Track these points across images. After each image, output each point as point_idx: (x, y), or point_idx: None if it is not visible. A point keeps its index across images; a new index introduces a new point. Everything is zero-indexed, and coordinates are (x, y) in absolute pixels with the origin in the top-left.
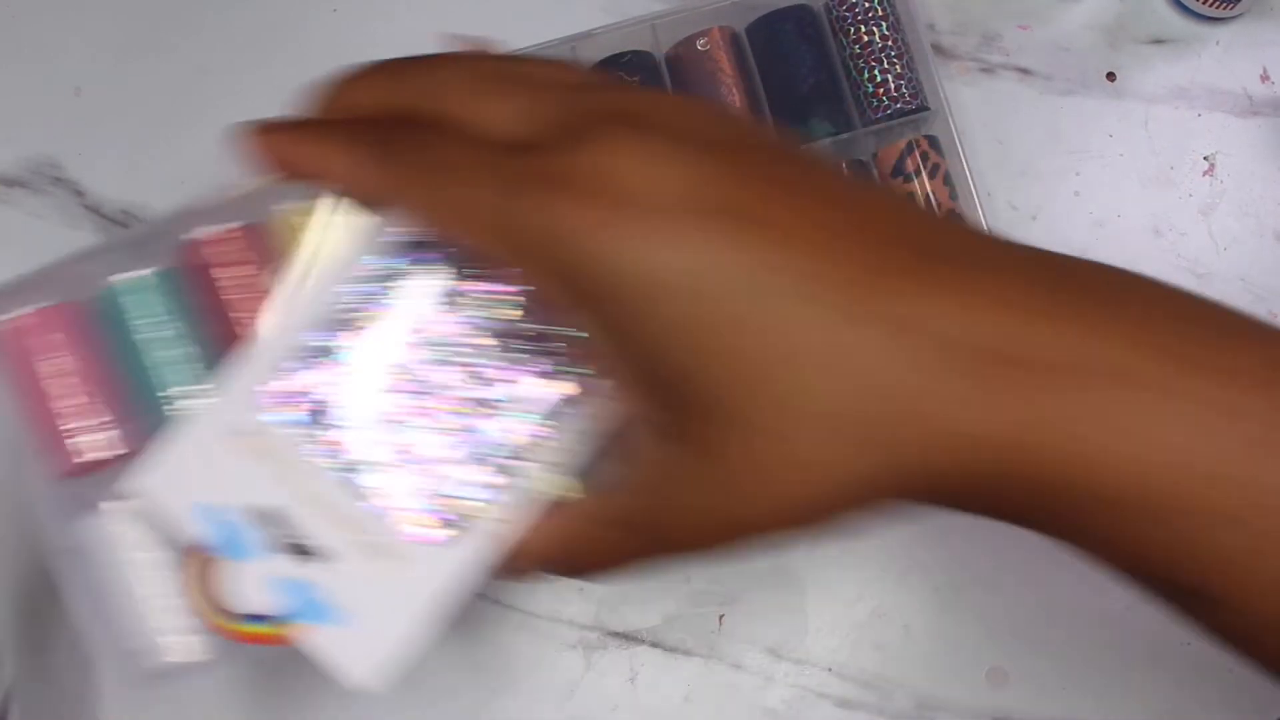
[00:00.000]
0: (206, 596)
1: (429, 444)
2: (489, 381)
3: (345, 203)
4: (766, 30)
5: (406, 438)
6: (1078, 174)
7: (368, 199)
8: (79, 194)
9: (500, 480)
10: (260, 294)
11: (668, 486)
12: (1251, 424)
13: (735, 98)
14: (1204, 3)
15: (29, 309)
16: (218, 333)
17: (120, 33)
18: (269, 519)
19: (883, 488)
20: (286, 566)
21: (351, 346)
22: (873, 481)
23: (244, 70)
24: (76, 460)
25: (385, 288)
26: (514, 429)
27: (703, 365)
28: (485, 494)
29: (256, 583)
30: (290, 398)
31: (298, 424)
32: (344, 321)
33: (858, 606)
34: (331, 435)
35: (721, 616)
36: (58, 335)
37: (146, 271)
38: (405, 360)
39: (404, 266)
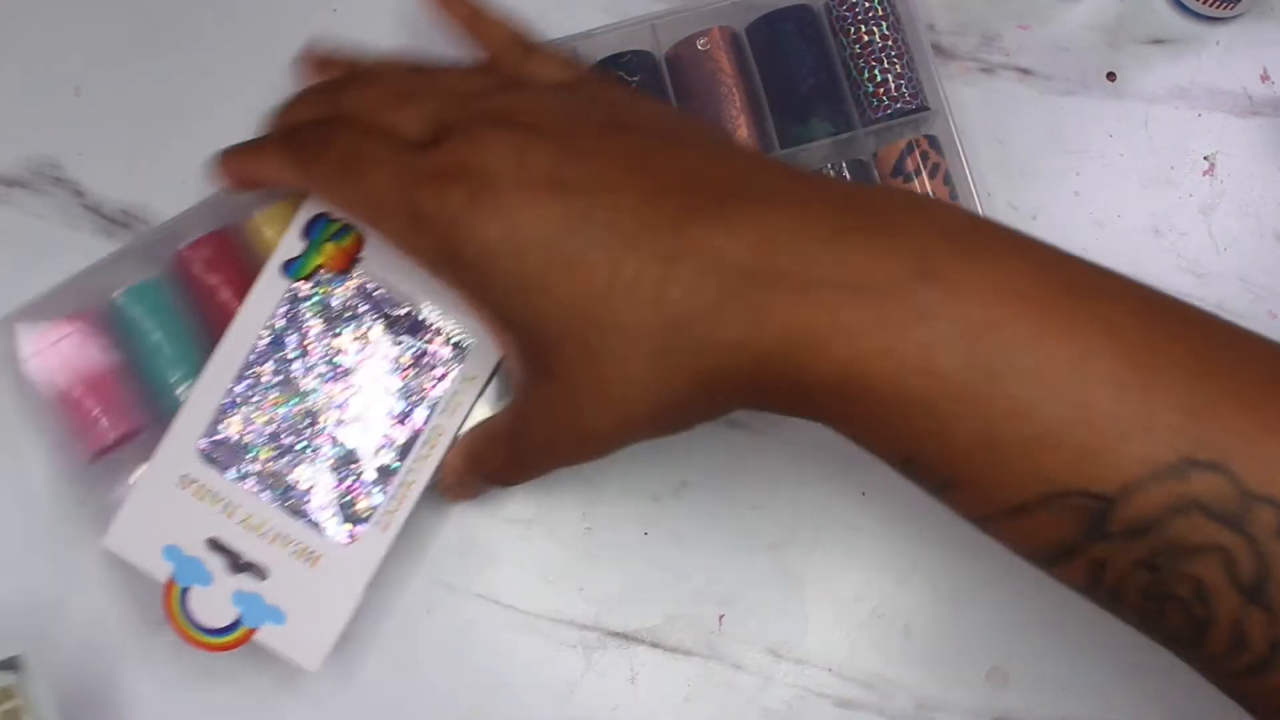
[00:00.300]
0: (185, 620)
1: (328, 461)
2: (365, 402)
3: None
4: (766, 30)
5: (313, 458)
6: (1078, 174)
7: (298, 192)
8: (79, 194)
9: (384, 481)
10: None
11: (536, 408)
12: (951, 326)
13: (735, 97)
14: (1204, 3)
15: (58, 319)
16: (215, 327)
17: (120, 33)
18: (221, 547)
19: (698, 394)
20: (239, 583)
21: (265, 388)
22: (687, 390)
23: (244, 70)
24: (103, 445)
25: (286, 334)
26: (387, 437)
27: (545, 307)
28: (375, 493)
29: (220, 601)
30: (220, 443)
31: (229, 464)
32: (256, 373)
33: (858, 606)
34: (256, 468)
35: (721, 616)
36: (81, 341)
37: (144, 279)
38: (305, 394)
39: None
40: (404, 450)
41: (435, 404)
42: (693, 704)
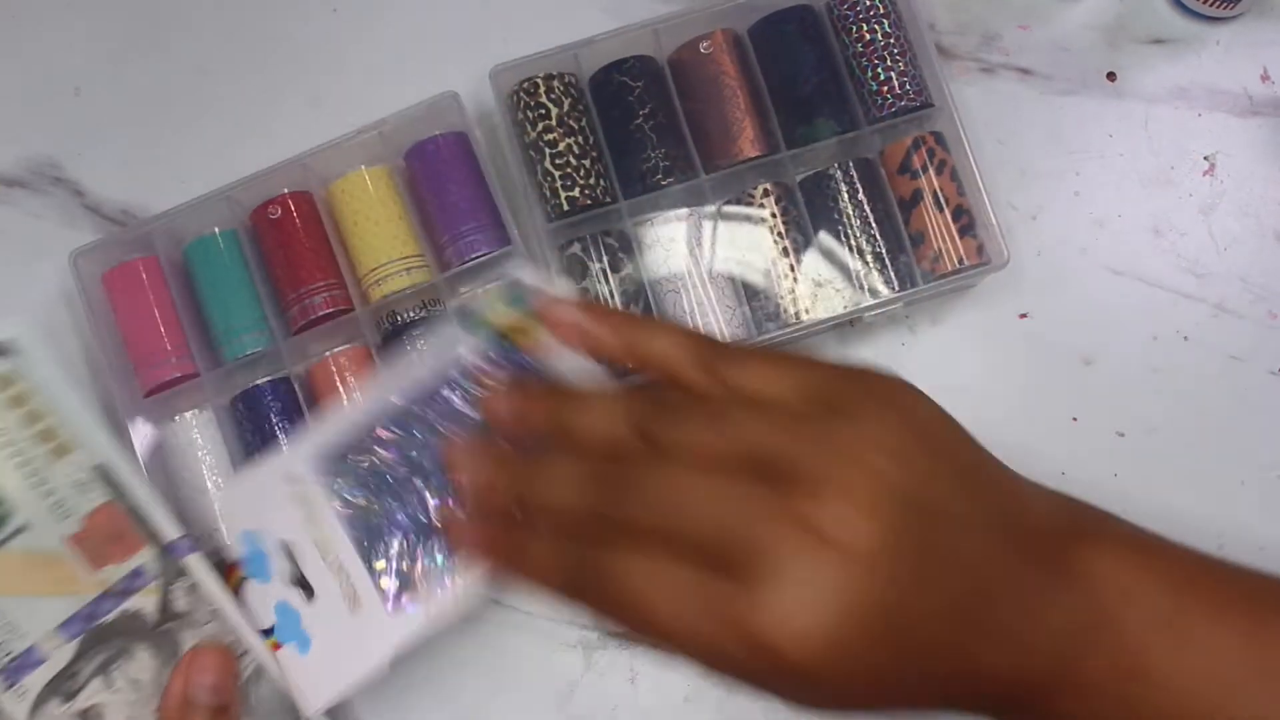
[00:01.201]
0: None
1: (412, 525)
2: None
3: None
4: (769, 31)
5: (401, 515)
6: (1078, 174)
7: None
8: (79, 194)
9: (447, 569)
10: (309, 261)
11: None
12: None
13: (739, 99)
14: (1204, 2)
15: (133, 258)
16: (282, 282)
17: (120, 33)
18: (288, 554)
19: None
20: (289, 594)
21: (399, 428)
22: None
23: (244, 70)
24: (161, 382)
25: (438, 394)
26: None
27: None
28: (434, 577)
29: (266, 604)
30: (337, 460)
31: (331, 485)
32: (402, 412)
33: None
34: (350, 497)
35: None
36: (151, 281)
37: (217, 230)
38: (423, 454)
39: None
40: None
41: None
42: (693, 704)
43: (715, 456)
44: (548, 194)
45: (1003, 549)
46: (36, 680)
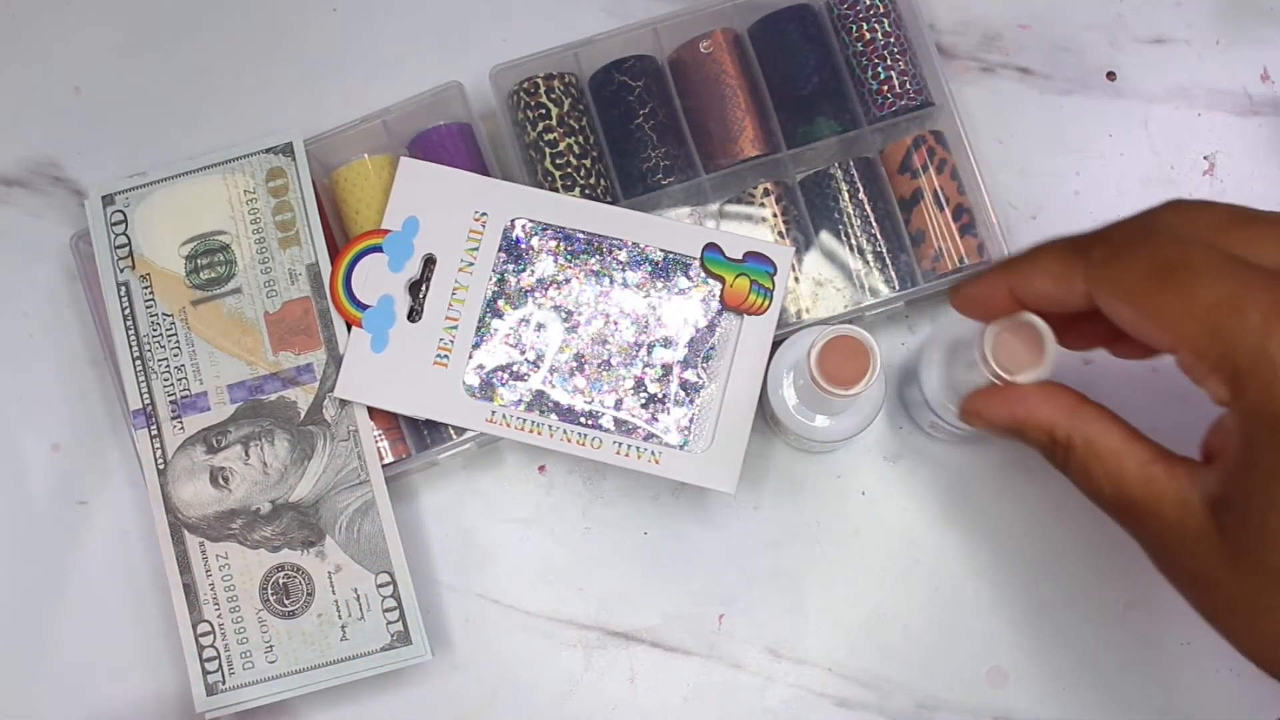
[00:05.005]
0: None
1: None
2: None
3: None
4: (769, 31)
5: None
6: (1078, 174)
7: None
8: (79, 194)
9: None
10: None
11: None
12: None
13: (739, 99)
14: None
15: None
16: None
17: (120, 33)
18: (427, 264)
19: None
20: (399, 296)
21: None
22: None
23: (244, 70)
24: None
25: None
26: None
27: None
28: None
29: (377, 285)
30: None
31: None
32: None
33: (858, 606)
34: (512, 275)
35: (721, 616)
36: None
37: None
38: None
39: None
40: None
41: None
42: (692, 704)
43: None
44: None
45: None
46: (195, 423)
